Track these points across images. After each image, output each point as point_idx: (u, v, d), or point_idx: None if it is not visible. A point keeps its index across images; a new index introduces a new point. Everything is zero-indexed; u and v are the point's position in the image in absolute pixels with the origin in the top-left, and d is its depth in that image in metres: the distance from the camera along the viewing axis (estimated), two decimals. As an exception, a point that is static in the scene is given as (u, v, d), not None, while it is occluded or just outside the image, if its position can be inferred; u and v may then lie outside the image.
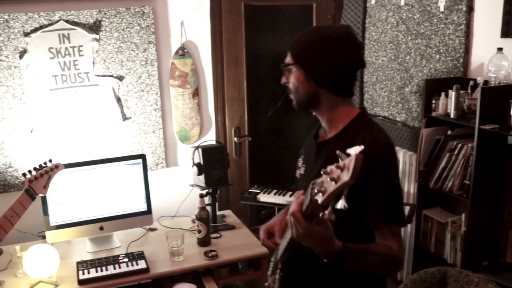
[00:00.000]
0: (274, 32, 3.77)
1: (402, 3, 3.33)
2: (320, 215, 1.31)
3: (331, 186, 1.19)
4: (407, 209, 3.01)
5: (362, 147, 1.18)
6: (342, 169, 1.18)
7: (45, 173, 2.42)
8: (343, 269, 1.50)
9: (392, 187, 1.58)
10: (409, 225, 3.28)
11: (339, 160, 1.23)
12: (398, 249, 1.55)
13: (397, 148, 3.48)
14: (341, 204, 1.21)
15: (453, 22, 2.98)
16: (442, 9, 3.04)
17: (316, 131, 1.84)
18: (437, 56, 3.12)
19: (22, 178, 2.99)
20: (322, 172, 1.25)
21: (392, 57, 3.49)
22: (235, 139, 3.64)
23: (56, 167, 2.50)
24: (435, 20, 3.10)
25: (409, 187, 3.37)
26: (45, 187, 2.41)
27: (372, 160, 1.49)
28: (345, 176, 1.16)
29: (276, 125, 3.90)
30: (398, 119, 3.52)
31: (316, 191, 1.25)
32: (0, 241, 2.05)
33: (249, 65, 3.62)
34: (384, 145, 1.59)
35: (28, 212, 2.76)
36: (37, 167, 2.43)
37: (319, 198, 1.24)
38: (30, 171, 2.40)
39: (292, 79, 1.70)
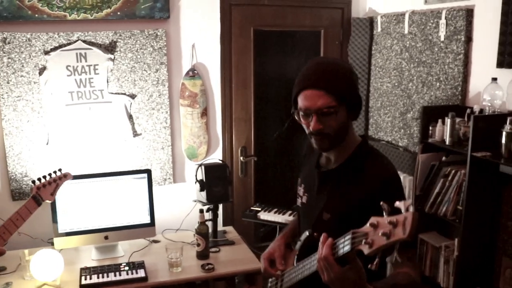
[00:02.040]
0: (282, 56, 3.90)
1: (406, 31, 3.43)
2: (369, 267, 1.28)
3: (382, 240, 1.19)
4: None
5: (410, 201, 1.20)
6: (395, 225, 1.17)
7: (53, 181, 2.57)
8: None
9: None
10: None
11: (383, 211, 1.23)
12: (416, 274, 1.57)
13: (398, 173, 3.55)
14: (392, 258, 1.20)
15: (452, 51, 3.07)
16: (442, 38, 3.13)
17: (316, 159, 1.82)
18: (437, 84, 3.21)
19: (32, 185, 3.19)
20: (369, 224, 1.24)
21: (396, 84, 3.58)
22: (241, 158, 3.75)
23: (65, 176, 2.65)
24: (436, 49, 3.19)
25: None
26: (53, 194, 2.56)
27: (385, 188, 1.57)
28: (401, 234, 1.16)
29: (281, 146, 4.01)
30: (400, 144, 3.59)
31: (362, 241, 1.25)
32: (4, 242, 2.18)
33: (257, 87, 3.74)
34: (393, 173, 1.65)
35: (39, 219, 2.95)
36: (47, 175, 2.58)
37: (365, 250, 1.23)
38: (39, 179, 2.56)
39: (334, 122, 1.60)
